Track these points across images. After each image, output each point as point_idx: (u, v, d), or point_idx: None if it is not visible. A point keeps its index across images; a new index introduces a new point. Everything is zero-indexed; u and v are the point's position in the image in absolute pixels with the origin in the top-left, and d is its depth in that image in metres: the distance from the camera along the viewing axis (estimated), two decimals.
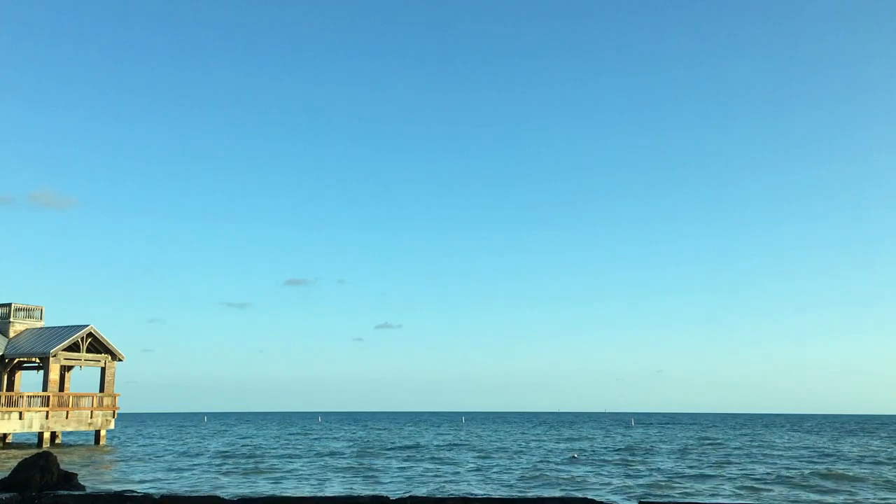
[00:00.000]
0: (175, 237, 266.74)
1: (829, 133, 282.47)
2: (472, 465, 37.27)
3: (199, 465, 37.85)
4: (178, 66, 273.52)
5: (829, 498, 25.28)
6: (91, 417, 52.05)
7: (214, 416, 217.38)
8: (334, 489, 26.33)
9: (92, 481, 27.04)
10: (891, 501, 23.89)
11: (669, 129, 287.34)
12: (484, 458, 42.86)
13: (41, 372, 51.24)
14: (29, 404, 48.32)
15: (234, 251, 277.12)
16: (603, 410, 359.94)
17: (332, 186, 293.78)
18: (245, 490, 25.57)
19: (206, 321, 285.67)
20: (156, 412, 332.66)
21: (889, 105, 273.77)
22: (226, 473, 32.90)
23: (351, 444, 57.40)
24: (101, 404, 52.66)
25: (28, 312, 54.54)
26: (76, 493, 20.51)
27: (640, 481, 29.49)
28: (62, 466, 23.90)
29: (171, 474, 32.52)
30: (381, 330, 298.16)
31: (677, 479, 30.43)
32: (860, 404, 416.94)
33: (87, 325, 52.31)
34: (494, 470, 34.70)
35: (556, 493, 25.22)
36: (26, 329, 53.83)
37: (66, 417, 50.22)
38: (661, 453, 47.06)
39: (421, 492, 24.52)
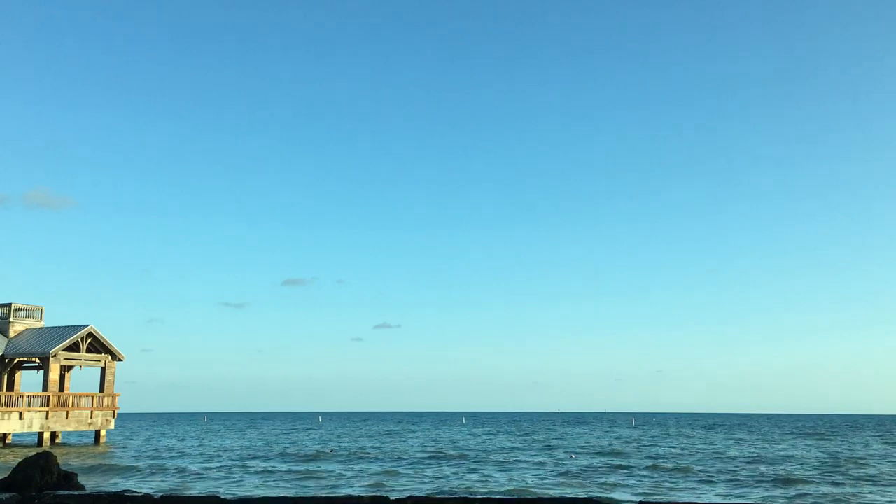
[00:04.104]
0: (173, 237, 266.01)
1: (829, 132, 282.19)
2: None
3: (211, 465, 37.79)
4: (175, 65, 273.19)
5: None
6: (91, 417, 52.01)
7: (214, 416, 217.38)
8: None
9: (92, 481, 27.00)
10: None
11: (669, 128, 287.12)
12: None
13: (41, 372, 51.19)
14: (29, 404, 48.27)
15: (233, 251, 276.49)
16: (603, 410, 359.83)
17: (331, 186, 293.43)
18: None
19: (205, 321, 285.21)
20: (154, 412, 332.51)
21: (890, 104, 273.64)
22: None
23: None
24: (101, 404, 52.60)
25: (28, 312, 54.50)
26: (76, 493, 20.48)
27: None
28: (62, 466, 23.88)
29: (171, 474, 32.48)
30: (379, 330, 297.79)
31: None
32: (861, 404, 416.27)
33: (87, 325, 52.26)
34: None
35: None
36: (26, 329, 53.78)
37: (66, 417, 50.17)
38: None
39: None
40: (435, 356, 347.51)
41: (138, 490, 22.59)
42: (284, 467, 35.98)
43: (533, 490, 26.58)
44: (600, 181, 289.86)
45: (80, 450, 47.43)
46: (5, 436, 51.33)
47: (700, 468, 35.79)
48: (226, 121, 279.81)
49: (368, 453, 45.73)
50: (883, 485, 29.06)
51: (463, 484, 28.55)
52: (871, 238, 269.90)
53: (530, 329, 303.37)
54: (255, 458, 42.77)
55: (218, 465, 37.90)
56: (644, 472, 33.48)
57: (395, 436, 73.51)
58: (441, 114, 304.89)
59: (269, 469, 35.06)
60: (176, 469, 35.05)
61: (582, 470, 34.66)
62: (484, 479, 30.76)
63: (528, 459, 41.35)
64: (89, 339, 52.50)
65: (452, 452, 46.83)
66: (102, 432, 53.48)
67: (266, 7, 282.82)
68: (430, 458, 42.45)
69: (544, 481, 29.96)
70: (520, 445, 55.54)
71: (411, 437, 69.53)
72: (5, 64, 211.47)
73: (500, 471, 34.36)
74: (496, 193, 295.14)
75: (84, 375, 67.59)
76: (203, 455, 45.19)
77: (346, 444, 56.68)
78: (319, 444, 58.25)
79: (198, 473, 32.85)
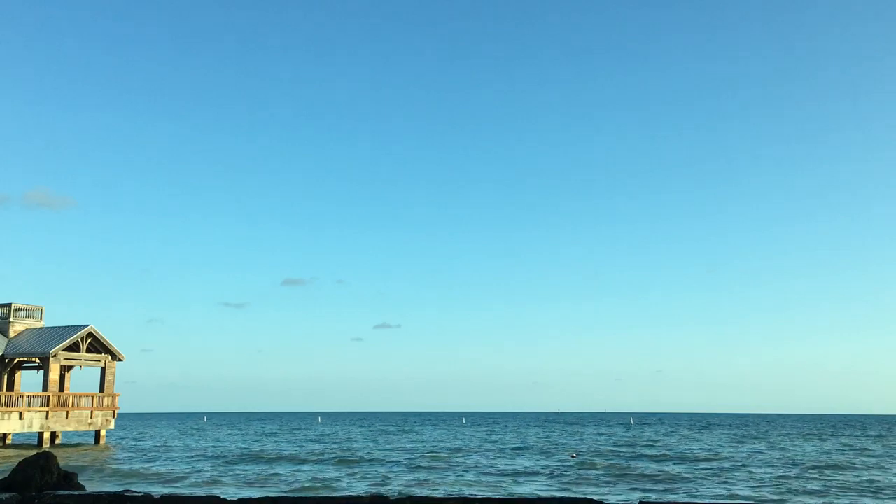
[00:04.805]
0: (172, 237, 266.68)
1: (829, 132, 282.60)
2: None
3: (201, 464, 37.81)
4: (176, 65, 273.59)
5: None
6: (91, 417, 52.01)
7: (213, 417, 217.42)
8: None
9: (92, 481, 27.04)
10: None
11: (669, 128, 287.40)
12: None
13: (41, 372, 51.19)
14: (29, 404, 48.28)
15: (233, 251, 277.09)
16: (603, 410, 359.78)
17: (331, 186, 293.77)
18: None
19: (205, 321, 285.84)
20: (154, 412, 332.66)
21: (890, 104, 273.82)
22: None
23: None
24: (101, 404, 52.61)
25: (28, 312, 54.50)
26: (76, 493, 20.51)
27: None
28: (62, 466, 23.89)
29: (171, 473, 32.52)
30: (379, 330, 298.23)
31: None
32: (861, 404, 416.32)
33: (87, 325, 52.26)
34: None
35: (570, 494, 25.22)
36: (26, 329, 53.79)
37: (66, 417, 50.18)
38: None
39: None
40: (435, 356, 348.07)
41: (138, 490, 22.62)
42: (276, 469, 36.06)
43: (532, 490, 26.61)
44: (600, 181, 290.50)
45: (80, 450, 47.47)
46: (5, 436, 51.36)
47: (696, 468, 35.85)
48: (226, 121, 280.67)
49: (355, 457, 45.76)
50: (875, 488, 29.11)
51: (459, 485, 28.57)
52: (871, 238, 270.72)
53: (530, 329, 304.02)
54: (246, 459, 42.84)
55: (209, 466, 37.98)
56: (642, 472, 33.50)
57: (390, 437, 73.55)
58: (441, 114, 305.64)
59: (254, 471, 35.14)
60: (170, 469, 35.11)
61: (581, 470, 34.70)
62: (483, 481, 30.79)
63: (527, 460, 41.39)
64: (89, 339, 52.50)
65: (444, 454, 46.86)
66: (102, 432, 53.49)
67: (266, 7, 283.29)
68: (421, 458, 42.47)
69: (543, 481, 30.00)
70: (519, 445, 55.57)
71: (407, 438, 69.58)
72: (5, 64, 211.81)
73: (497, 472, 34.38)
74: (496, 193, 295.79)
75: (84, 375, 67.68)
76: (195, 456, 45.25)
77: (335, 446, 56.74)
78: (313, 445, 58.30)
79: (189, 474, 32.90)
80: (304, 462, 39.78)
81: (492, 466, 36.79)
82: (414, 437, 69.84)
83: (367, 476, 31.89)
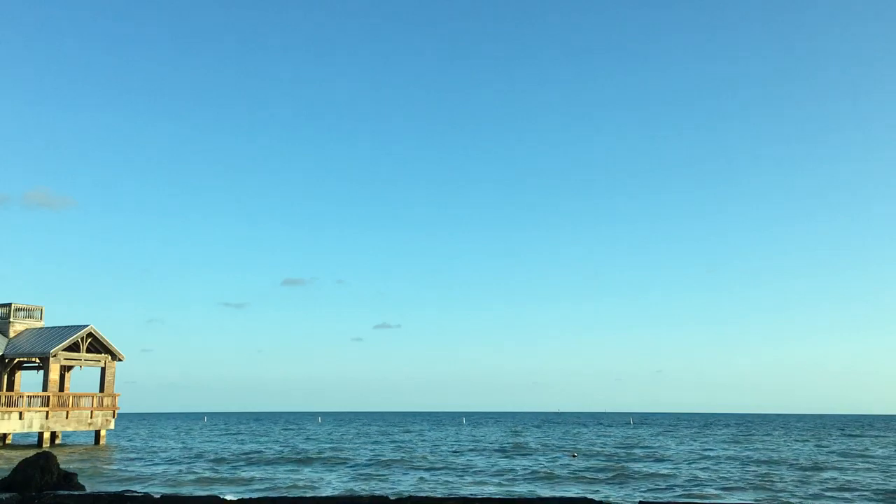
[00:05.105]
0: (172, 237, 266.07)
1: (829, 132, 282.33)
2: None
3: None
4: (175, 65, 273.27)
5: None
6: (91, 417, 52.07)
7: (213, 417, 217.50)
8: None
9: (92, 481, 27.10)
10: None
11: (669, 128, 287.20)
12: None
13: (41, 372, 51.25)
14: (29, 404, 48.33)
15: (233, 251, 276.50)
16: (603, 410, 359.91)
17: (331, 186, 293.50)
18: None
19: (205, 321, 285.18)
20: (154, 412, 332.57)
21: (890, 104, 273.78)
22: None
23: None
24: (101, 404, 52.67)
25: (28, 312, 54.55)
26: (76, 493, 20.57)
27: None
28: (62, 466, 23.95)
29: (171, 474, 32.58)
30: (379, 330, 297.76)
31: None
32: (861, 404, 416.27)
33: (87, 325, 52.31)
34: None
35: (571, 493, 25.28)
36: (26, 329, 53.84)
37: (66, 417, 50.23)
38: None
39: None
40: (435, 356, 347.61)
41: (138, 490, 22.68)
42: (274, 469, 36.10)
43: (531, 490, 26.67)
44: (600, 181, 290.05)
45: (80, 450, 47.53)
46: (5, 436, 51.41)
47: (694, 468, 35.91)
48: (226, 121, 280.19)
49: (354, 457, 45.81)
50: (870, 487, 29.18)
51: (458, 485, 28.63)
52: (871, 238, 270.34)
53: (530, 329, 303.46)
54: (244, 459, 42.93)
55: (208, 466, 38.05)
56: (640, 472, 33.58)
57: (389, 437, 73.61)
58: (441, 114, 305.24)
59: (253, 471, 35.19)
60: (169, 469, 35.17)
61: (580, 469, 34.76)
62: (482, 481, 30.87)
63: (526, 459, 41.45)
64: (89, 339, 52.55)
65: (443, 454, 46.89)
66: (102, 432, 53.54)
67: (266, 7, 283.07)
68: (420, 458, 42.53)
69: (542, 481, 30.07)
70: (518, 445, 55.62)
71: (406, 438, 69.63)
72: (5, 64, 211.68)
73: (496, 471, 34.45)
74: (496, 193, 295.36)
75: (84, 375, 67.69)
76: (194, 456, 45.33)
77: (334, 446, 56.81)
78: (312, 445, 58.37)
79: (188, 474, 32.97)
80: (302, 462, 39.87)
81: (491, 466, 36.87)
82: (413, 437, 69.90)
83: (367, 476, 31.98)
